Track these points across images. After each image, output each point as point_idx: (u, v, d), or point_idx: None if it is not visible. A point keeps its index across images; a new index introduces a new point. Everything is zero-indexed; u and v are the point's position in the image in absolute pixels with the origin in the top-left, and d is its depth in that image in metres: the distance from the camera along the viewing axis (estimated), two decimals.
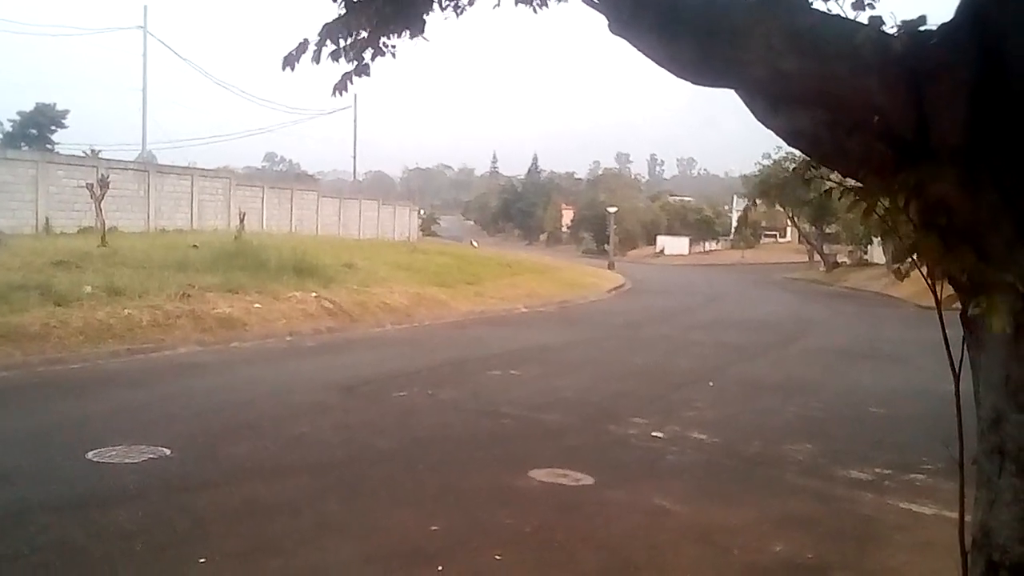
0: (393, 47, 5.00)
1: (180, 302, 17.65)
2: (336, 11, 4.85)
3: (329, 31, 4.77)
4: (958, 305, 3.31)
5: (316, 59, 4.82)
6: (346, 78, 5.02)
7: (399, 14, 4.77)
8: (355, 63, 4.93)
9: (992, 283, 3.00)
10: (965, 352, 3.40)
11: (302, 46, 4.84)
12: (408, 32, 4.90)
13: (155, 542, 6.46)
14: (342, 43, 4.80)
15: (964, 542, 3.45)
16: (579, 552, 6.67)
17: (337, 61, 4.85)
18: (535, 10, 5.46)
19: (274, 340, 17.70)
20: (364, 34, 4.81)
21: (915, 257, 3.33)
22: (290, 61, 4.91)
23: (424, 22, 4.92)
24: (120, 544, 6.40)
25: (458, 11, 5.19)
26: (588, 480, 8.51)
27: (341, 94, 5.11)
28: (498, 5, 5.45)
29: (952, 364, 3.45)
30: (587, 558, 6.57)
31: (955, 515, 3.60)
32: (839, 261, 61.47)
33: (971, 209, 3.14)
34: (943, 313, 3.38)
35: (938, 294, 3.34)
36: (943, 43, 3.05)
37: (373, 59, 4.97)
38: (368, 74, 5.01)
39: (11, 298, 15.38)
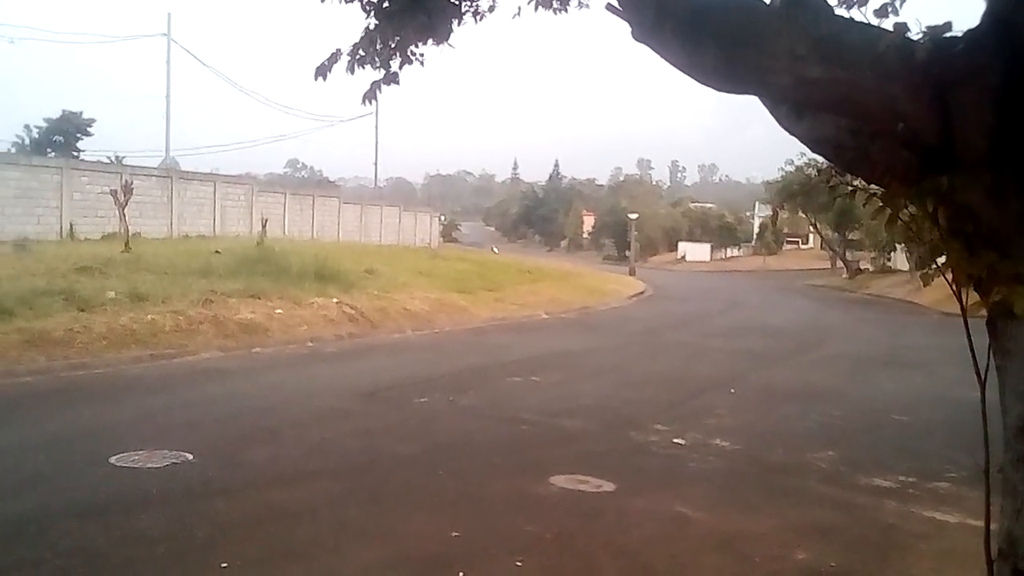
0: (421, 55, 5.03)
1: (202, 308, 17.71)
2: (364, 20, 4.89)
3: (369, 39, 4.81)
4: (984, 312, 3.29)
5: (351, 70, 4.86)
6: (375, 86, 5.06)
7: (427, 22, 4.80)
8: (384, 71, 4.96)
9: (1016, 277, 2.99)
10: (991, 359, 3.37)
11: (334, 56, 4.88)
12: (432, 40, 4.93)
13: (177, 547, 6.49)
14: (371, 51, 4.84)
15: (990, 551, 3.42)
16: (599, 559, 6.65)
17: (363, 68, 4.87)
18: (555, 12, 5.48)
19: (296, 346, 17.75)
20: (392, 43, 4.84)
21: (940, 263, 3.31)
22: (323, 71, 4.95)
23: (449, 30, 4.95)
24: (142, 549, 6.43)
25: (478, 17, 5.20)
26: (609, 487, 8.49)
27: (371, 102, 5.15)
28: (518, 15, 5.46)
29: (978, 371, 3.42)
30: (608, 565, 6.55)
31: (980, 524, 3.57)
32: (862, 268, 61.15)
33: (998, 216, 3.11)
34: (969, 320, 3.36)
35: (964, 300, 3.32)
36: (969, 50, 3.03)
37: (401, 67, 5.01)
38: (397, 82, 5.05)
39: (36, 303, 15.49)
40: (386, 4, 4.86)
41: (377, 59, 4.91)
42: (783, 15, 3.25)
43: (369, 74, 5.01)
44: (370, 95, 5.11)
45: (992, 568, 3.39)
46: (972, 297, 3.31)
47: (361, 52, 4.84)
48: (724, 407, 13.04)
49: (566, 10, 5.43)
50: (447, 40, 5.00)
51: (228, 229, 38.00)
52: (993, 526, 3.44)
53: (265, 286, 20.51)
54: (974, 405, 3.45)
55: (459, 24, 5.08)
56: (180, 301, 17.72)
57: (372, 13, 4.88)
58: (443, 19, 4.93)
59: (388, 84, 5.07)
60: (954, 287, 3.32)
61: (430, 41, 4.99)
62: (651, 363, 17.92)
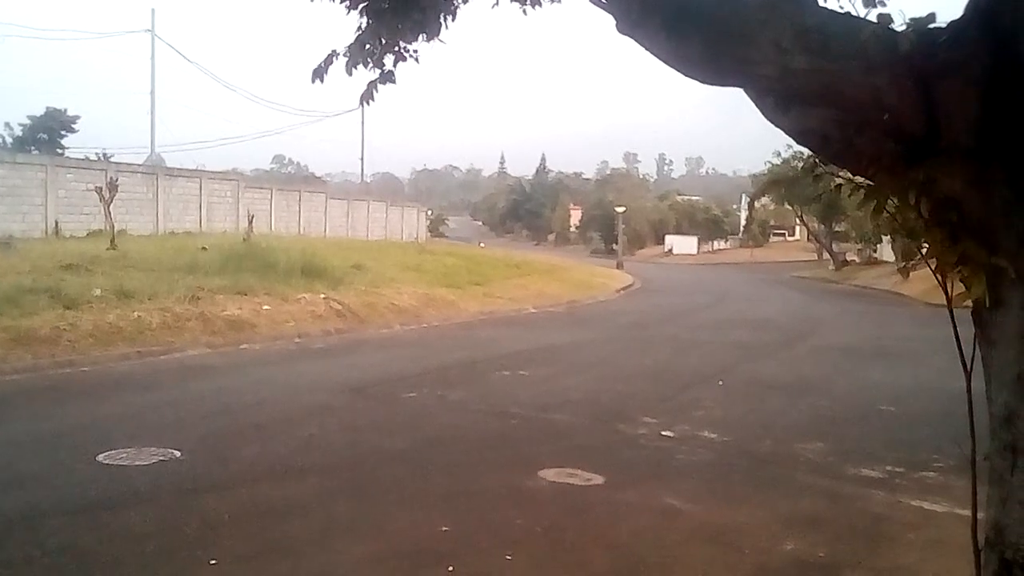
0: (415, 51, 5.00)
1: (189, 304, 17.68)
2: (355, 18, 4.85)
3: (362, 40, 4.77)
4: (969, 302, 3.30)
5: (349, 71, 4.82)
6: (371, 86, 5.02)
7: (420, 19, 4.77)
8: (379, 71, 4.93)
9: (994, 269, 3.01)
10: (977, 349, 3.38)
11: (330, 58, 4.84)
12: (424, 35, 4.90)
13: (166, 544, 6.48)
14: (365, 52, 4.80)
15: (977, 540, 3.43)
16: (590, 552, 6.67)
17: (357, 68, 4.84)
18: (524, 12, 5.45)
19: (283, 342, 17.72)
20: (385, 40, 4.81)
21: (924, 253, 3.32)
22: (319, 73, 4.91)
23: (440, 25, 4.93)
24: (131, 546, 6.42)
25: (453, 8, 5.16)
26: (598, 480, 8.50)
27: (368, 103, 5.12)
28: (496, 4, 5.44)
29: (964, 361, 3.43)
30: (598, 558, 6.57)
31: (967, 513, 3.59)
32: (848, 259, 61.32)
33: (983, 206, 3.13)
34: (954, 310, 3.37)
35: (949, 291, 3.33)
36: (953, 40, 3.04)
37: (395, 65, 4.98)
38: (393, 81, 5.02)
39: (21, 301, 15.42)
40: (380, 2, 4.83)
41: (371, 59, 4.87)
42: (768, 7, 3.25)
43: (363, 74, 4.98)
44: (367, 96, 5.08)
45: (979, 557, 3.41)
46: (957, 288, 3.32)
47: (357, 52, 4.81)
48: (713, 400, 13.07)
49: (539, 4, 5.39)
50: (438, 36, 4.97)
51: (214, 225, 37.88)
52: (980, 515, 3.46)
53: (252, 282, 20.47)
54: (961, 395, 3.46)
55: (452, 20, 5.05)
56: (167, 298, 17.68)
57: (363, 11, 4.84)
58: (435, 15, 4.90)
59: (384, 83, 5.03)
60: (939, 277, 3.33)
61: (422, 37, 4.96)
62: (639, 357, 17.93)
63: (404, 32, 4.85)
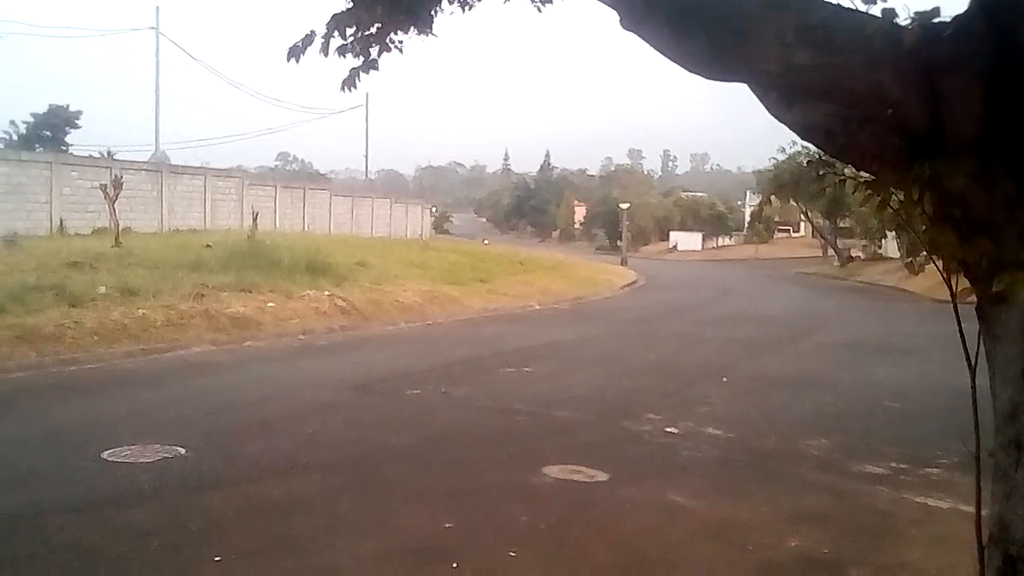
0: (400, 43, 4.98)
1: (194, 302, 17.69)
2: (344, 4, 4.83)
3: (337, 23, 4.75)
4: (974, 298, 3.29)
5: (324, 51, 4.81)
6: (354, 74, 5.01)
7: (406, 10, 4.75)
8: (362, 59, 4.92)
9: (1014, 264, 3.00)
10: (981, 346, 3.38)
11: (308, 38, 4.83)
12: (415, 28, 4.88)
13: (170, 541, 6.48)
14: (349, 38, 4.79)
15: (981, 536, 3.43)
16: (594, 548, 6.66)
17: (344, 56, 4.83)
18: (539, 9, 5.42)
19: (287, 339, 17.73)
20: (372, 30, 4.80)
21: (929, 250, 3.32)
22: (295, 52, 4.89)
23: (432, 18, 4.91)
24: (135, 544, 6.42)
25: (465, 7, 5.16)
26: (602, 476, 8.49)
27: (350, 90, 5.10)
28: (508, 0, 5.42)
29: (968, 358, 3.42)
30: (602, 554, 6.56)
31: (971, 509, 3.59)
32: (853, 255, 61.14)
33: (986, 201, 3.12)
34: (959, 306, 3.36)
35: (953, 287, 3.33)
36: (957, 35, 3.03)
37: (380, 55, 4.96)
38: (376, 69, 5.00)
39: (26, 299, 15.45)
40: None
41: (357, 46, 4.86)
42: (771, 2, 3.25)
43: (349, 61, 4.96)
44: (349, 82, 5.07)
45: (983, 553, 3.41)
46: (962, 283, 3.32)
47: (337, 37, 4.79)
48: (717, 396, 13.05)
49: (551, 1, 5.37)
50: (430, 29, 4.95)
51: (219, 223, 37.85)
52: (985, 511, 3.46)
53: (256, 279, 20.47)
54: (965, 391, 3.46)
55: (439, 11, 5.02)
56: (171, 295, 17.70)
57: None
58: (425, 8, 4.89)
59: (367, 72, 5.02)
60: (944, 274, 3.32)
61: (412, 30, 4.94)
62: (644, 352, 17.91)
63: (393, 23, 4.83)
